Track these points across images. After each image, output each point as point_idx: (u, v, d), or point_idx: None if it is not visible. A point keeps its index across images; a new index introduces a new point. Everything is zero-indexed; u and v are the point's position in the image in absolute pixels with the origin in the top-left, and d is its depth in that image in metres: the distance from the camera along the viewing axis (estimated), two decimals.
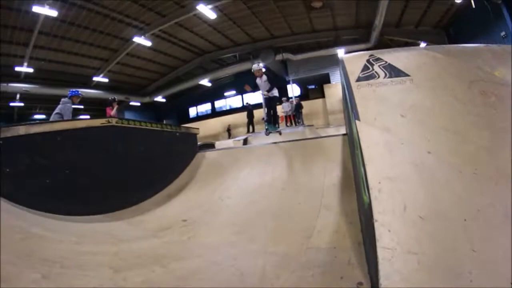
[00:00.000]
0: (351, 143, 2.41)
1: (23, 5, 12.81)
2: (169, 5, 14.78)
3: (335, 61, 17.16)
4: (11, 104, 21.63)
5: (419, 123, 1.74)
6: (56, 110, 5.82)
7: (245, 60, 19.72)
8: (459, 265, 1.14)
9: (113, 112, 8.05)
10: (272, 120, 6.40)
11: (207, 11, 14.55)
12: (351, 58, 2.57)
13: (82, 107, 22.61)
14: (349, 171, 2.32)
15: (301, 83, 20.78)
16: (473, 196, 1.35)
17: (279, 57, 18.51)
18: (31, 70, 17.87)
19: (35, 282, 1.39)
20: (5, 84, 18.22)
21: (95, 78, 20.03)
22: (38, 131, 3.36)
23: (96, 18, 14.77)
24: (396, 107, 1.85)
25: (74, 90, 6.55)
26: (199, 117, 25.35)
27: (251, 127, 14.97)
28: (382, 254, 1.19)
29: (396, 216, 1.28)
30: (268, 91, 6.11)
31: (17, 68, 17.59)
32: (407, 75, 2.09)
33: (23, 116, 24.49)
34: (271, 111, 6.42)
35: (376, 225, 1.24)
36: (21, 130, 3.23)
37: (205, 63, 21.17)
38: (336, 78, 19.17)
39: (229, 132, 20.99)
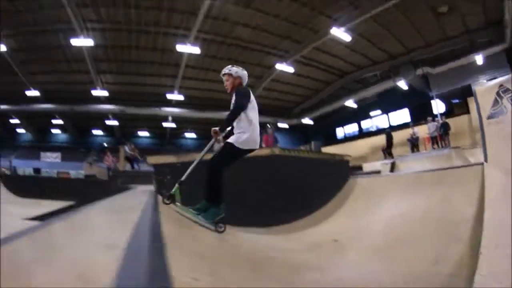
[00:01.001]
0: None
1: (168, 45, 16.53)
2: (304, 33, 16.24)
3: (475, 70, 16.15)
4: (164, 124, 26.39)
5: None
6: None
7: (386, 79, 19.03)
8: None
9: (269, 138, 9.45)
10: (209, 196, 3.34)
11: (341, 34, 15.14)
12: (483, 91, 2.60)
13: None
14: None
15: (444, 98, 18.14)
16: None
17: (419, 71, 17.57)
18: (181, 97, 22.49)
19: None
20: (158, 109, 22.97)
21: None
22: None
23: (236, 50, 17.68)
24: None
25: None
26: (347, 138, 25.43)
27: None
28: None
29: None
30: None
31: (169, 96, 22.42)
32: None
33: (175, 135, 29.90)
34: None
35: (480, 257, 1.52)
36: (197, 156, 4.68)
37: (347, 83, 21.43)
38: None
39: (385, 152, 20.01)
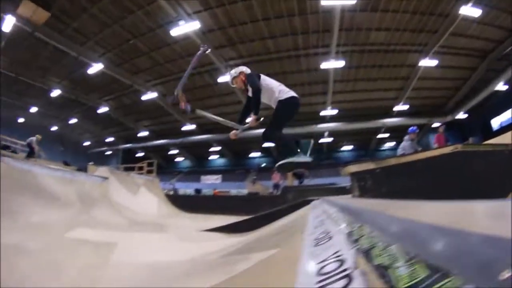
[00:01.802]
0: None
1: (312, 64, 17.43)
2: (435, 21, 14.88)
3: None
4: (321, 141, 26.98)
5: None
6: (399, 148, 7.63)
7: None
8: None
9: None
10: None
11: (470, 10, 13.56)
12: None
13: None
14: None
15: None
16: None
17: None
18: (334, 111, 22.58)
19: None
20: (314, 125, 23.57)
21: (396, 108, 22.27)
22: (403, 161, 4.85)
23: (377, 56, 17.23)
24: None
25: (412, 128, 8.13)
26: (503, 129, 21.17)
27: None
28: None
29: None
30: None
31: (322, 112, 22.62)
32: None
33: (332, 149, 30.19)
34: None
35: None
36: (392, 161, 4.90)
37: (492, 64, 18.25)
38: None
39: None
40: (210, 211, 12.54)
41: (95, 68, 18.32)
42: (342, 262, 0.94)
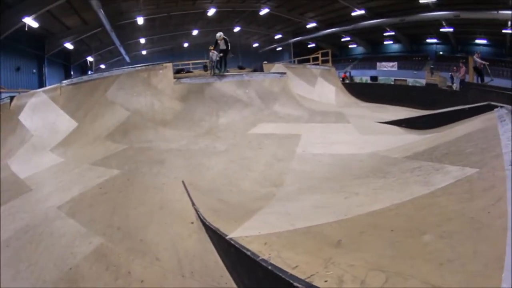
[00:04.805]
0: None
1: None
2: None
3: None
4: (504, 31, 20.47)
5: None
6: None
7: None
8: None
9: None
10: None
11: None
12: None
13: None
14: None
15: None
16: None
17: None
18: None
19: None
20: (495, 12, 17.99)
21: None
22: None
23: None
24: None
25: None
26: None
27: None
28: None
29: None
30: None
31: None
32: None
33: None
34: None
35: None
36: None
37: None
38: None
39: None
40: (387, 101, 12.11)
41: None
42: None
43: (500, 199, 1.64)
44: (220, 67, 9.89)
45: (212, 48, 9.87)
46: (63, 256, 2.90)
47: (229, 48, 10.02)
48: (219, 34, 9.88)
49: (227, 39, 9.92)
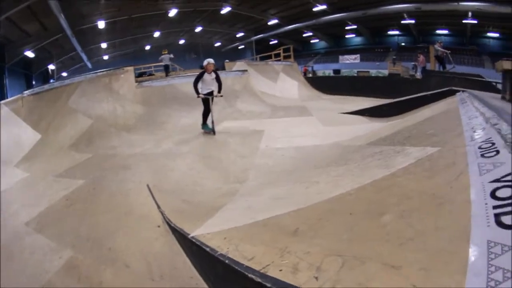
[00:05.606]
0: None
1: None
2: None
3: None
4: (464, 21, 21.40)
5: None
6: None
7: None
8: None
9: None
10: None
11: None
12: None
13: None
14: None
15: None
16: None
17: None
18: None
19: None
20: (456, 3, 18.82)
21: None
22: None
23: None
24: None
25: None
26: None
27: None
28: None
29: None
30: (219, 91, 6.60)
31: None
32: None
33: (476, 34, 23.75)
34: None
35: None
36: None
37: None
38: None
39: None
40: (350, 92, 12.36)
41: None
42: None
43: (461, 173, 1.62)
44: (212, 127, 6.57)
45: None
46: (35, 273, 2.86)
47: (221, 83, 6.52)
48: (208, 61, 6.40)
49: (218, 74, 6.60)
